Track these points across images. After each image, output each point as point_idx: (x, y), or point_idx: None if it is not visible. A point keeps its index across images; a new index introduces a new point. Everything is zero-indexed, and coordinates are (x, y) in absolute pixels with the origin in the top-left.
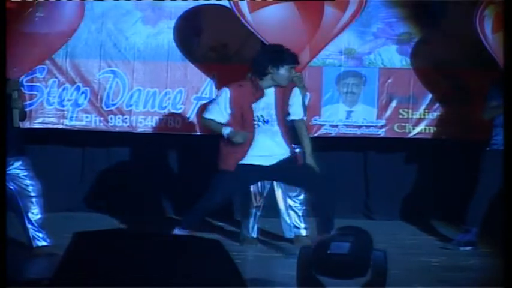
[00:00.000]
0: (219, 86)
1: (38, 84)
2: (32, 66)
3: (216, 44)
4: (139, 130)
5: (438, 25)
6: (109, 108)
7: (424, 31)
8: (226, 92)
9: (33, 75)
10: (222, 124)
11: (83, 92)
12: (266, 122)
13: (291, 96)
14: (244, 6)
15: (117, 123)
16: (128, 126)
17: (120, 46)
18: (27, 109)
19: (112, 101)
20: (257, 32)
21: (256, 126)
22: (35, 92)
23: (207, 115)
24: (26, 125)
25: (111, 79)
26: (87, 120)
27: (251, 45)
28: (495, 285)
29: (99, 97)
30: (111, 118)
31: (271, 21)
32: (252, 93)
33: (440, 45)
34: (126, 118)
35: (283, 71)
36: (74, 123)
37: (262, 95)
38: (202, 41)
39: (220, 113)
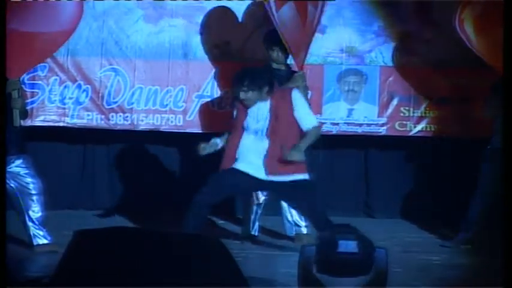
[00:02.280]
0: (221, 84)
1: (39, 82)
2: (32, 65)
3: (219, 42)
4: (140, 128)
5: (437, 24)
6: (110, 106)
7: (423, 30)
8: None
9: (35, 73)
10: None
11: (84, 90)
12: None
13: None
14: (273, 5)
15: (119, 121)
16: (129, 124)
17: (121, 44)
18: (28, 107)
19: (113, 99)
20: (279, 30)
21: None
22: (37, 90)
23: None
24: (28, 123)
25: (112, 77)
26: (88, 118)
27: (254, 44)
28: (495, 285)
29: (100, 95)
30: (112, 116)
31: (289, 19)
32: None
33: (439, 44)
34: (127, 116)
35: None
36: (75, 121)
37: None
38: (205, 38)
39: None
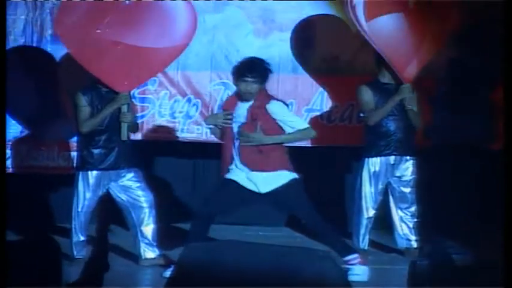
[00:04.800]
0: (331, 98)
1: (149, 96)
2: (143, 80)
3: (327, 56)
4: None
5: None
6: None
7: None
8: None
9: (145, 87)
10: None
11: (194, 104)
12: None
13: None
14: (361, 15)
15: None
16: None
17: (231, 58)
18: (139, 121)
19: None
20: (372, 41)
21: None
22: (147, 104)
23: None
24: (138, 136)
25: (222, 91)
26: (198, 132)
27: (362, 57)
28: (495, 285)
29: (210, 109)
30: None
31: (385, 31)
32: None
33: None
34: None
35: (240, 82)
36: (185, 135)
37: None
38: (315, 52)
39: None
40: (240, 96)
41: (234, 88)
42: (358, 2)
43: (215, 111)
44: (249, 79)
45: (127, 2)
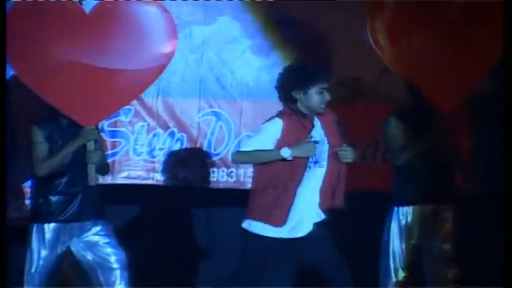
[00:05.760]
0: (350, 127)
1: (122, 129)
2: (113, 110)
3: (348, 79)
4: (248, 187)
5: None
6: (211, 160)
7: None
8: (278, 123)
9: (117, 118)
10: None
11: (178, 139)
12: (316, 162)
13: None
14: (383, 41)
15: (221, 178)
16: (235, 181)
17: (224, 81)
18: (109, 160)
19: (214, 150)
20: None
21: (308, 168)
22: (119, 139)
23: (249, 147)
24: (108, 180)
25: (213, 123)
26: (183, 174)
27: (388, 80)
28: (495, 285)
29: (198, 145)
30: (213, 171)
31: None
32: (302, 123)
33: None
34: (232, 172)
35: (312, 94)
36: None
37: (312, 125)
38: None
39: (267, 146)
40: (303, 112)
41: (227, 119)
42: None
43: (204, 146)
44: (325, 86)
45: (87, 11)
